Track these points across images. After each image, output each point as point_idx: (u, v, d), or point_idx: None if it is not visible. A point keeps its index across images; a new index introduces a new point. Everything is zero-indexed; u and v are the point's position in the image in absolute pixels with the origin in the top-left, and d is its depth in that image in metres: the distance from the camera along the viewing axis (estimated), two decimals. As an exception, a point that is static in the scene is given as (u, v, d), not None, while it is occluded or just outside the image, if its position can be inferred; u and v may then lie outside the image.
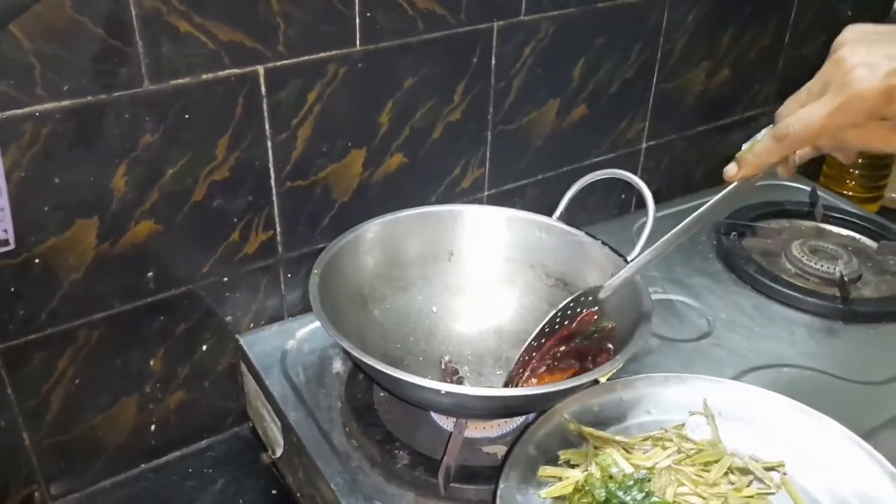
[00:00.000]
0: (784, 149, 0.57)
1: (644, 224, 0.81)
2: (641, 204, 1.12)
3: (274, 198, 0.80)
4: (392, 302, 0.80)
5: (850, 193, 1.22)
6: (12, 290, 0.69)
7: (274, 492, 0.82)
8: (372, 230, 0.79)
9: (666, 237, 0.69)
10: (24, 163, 0.65)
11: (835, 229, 1.06)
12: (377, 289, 0.79)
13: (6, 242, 0.66)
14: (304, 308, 0.88)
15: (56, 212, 0.68)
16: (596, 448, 0.66)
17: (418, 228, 0.82)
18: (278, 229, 0.82)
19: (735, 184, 0.62)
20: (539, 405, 0.68)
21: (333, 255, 0.75)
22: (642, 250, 0.79)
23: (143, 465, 0.85)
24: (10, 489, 0.77)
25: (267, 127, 0.76)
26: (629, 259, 0.78)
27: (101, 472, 0.82)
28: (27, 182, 0.66)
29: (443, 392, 0.62)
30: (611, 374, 0.66)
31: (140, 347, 0.79)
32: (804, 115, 0.55)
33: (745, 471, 0.65)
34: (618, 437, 0.67)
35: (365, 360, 0.64)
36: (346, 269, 0.76)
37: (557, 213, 0.85)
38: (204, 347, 0.83)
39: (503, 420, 0.74)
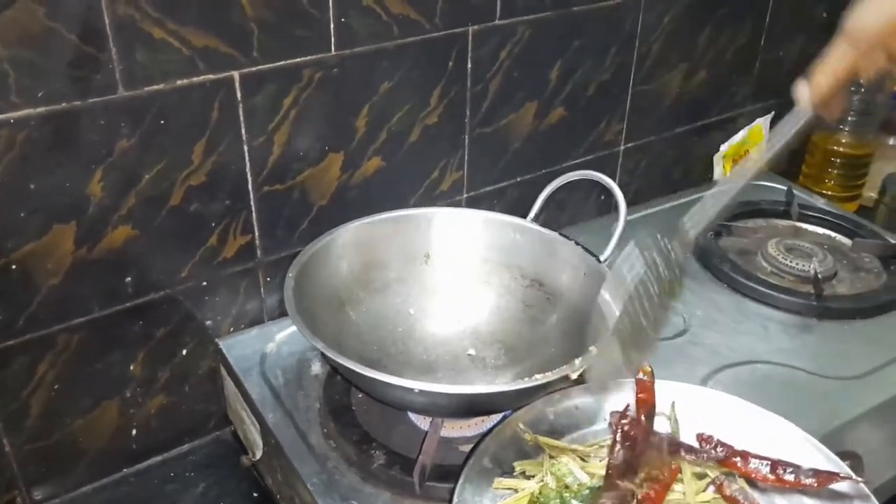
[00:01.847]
0: (858, 51, 0.55)
1: (628, 222, 0.82)
2: (621, 204, 1.14)
3: (252, 202, 0.81)
4: (369, 304, 0.81)
5: (829, 193, 1.24)
6: (-10, 295, 0.70)
7: (255, 494, 0.83)
8: (347, 234, 0.80)
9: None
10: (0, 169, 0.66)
11: (810, 228, 1.07)
12: (354, 291, 0.80)
13: (-17, 248, 0.67)
14: (284, 312, 0.87)
15: (33, 217, 0.69)
16: (551, 458, 0.65)
17: (394, 231, 0.83)
18: (256, 233, 0.83)
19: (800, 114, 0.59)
20: (513, 402, 0.68)
21: (309, 259, 0.76)
22: (613, 251, 0.81)
23: (125, 470, 0.85)
24: (-10, 494, 0.78)
25: (243, 132, 0.77)
26: (602, 259, 0.79)
27: (82, 477, 0.82)
28: (3, 188, 0.66)
29: (416, 390, 0.63)
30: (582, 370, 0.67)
31: (120, 352, 0.79)
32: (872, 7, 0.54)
33: (701, 475, 0.65)
34: (573, 446, 0.67)
35: (340, 360, 0.64)
36: (321, 273, 0.77)
37: (532, 214, 0.86)
38: (184, 351, 0.84)
39: (479, 419, 0.75)
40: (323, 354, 0.67)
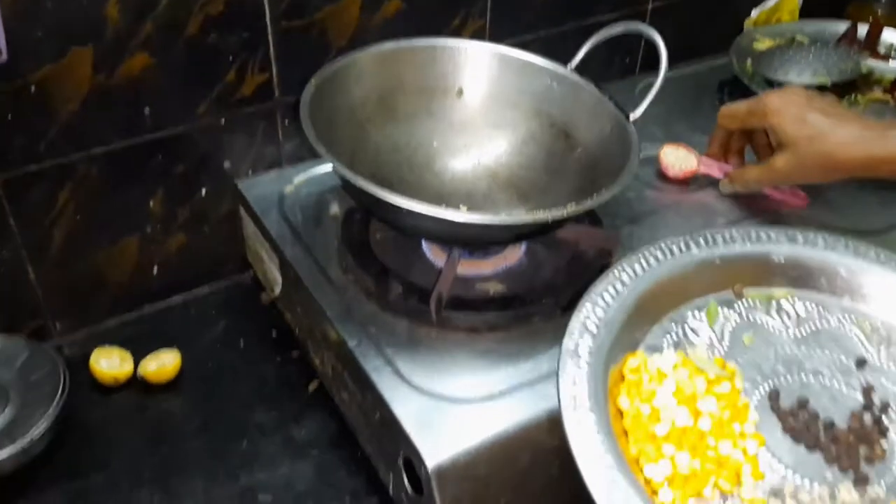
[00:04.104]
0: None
1: (649, 86, 0.79)
2: (645, 66, 1.11)
3: (269, 37, 0.79)
4: (393, 129, 0.80)
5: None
6: (9, 117, 0.69)
7: (273, 332, 0.85)
8: (382, 52, 0.78)
9: None
10: (14, -16, 0.64)
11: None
12: (378, 113, 0.79)
13: (-1, 53, 0.66)
14: (303, 156, 0.88)
15: (50, 37, 0.68)
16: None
17: (428, 60, 0.80)
18: (274, 71, 0.81)
19: None
20: (510, 236, 0.69)
21: (337, 71, 0.74)
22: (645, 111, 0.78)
23: (146, 307, 0.87)
24: (17, 320, 0.79)
25: (260, -41, 0.75)
26: (630, 117, 0.77)
27: (105, 311, 0.84)
28: (18, 4, 0.65)
29: (405, 210, 0.62)
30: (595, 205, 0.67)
31: (139, 186, 0.80)
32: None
33: None
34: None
35: (342, 169, 0.64)
36: (348, 87, 0.75)
37: (573, 63, 0.82)
38: (203, 191, 0.84)
39: (496, 259, 0.75)
40: (333, 167, 0.65)
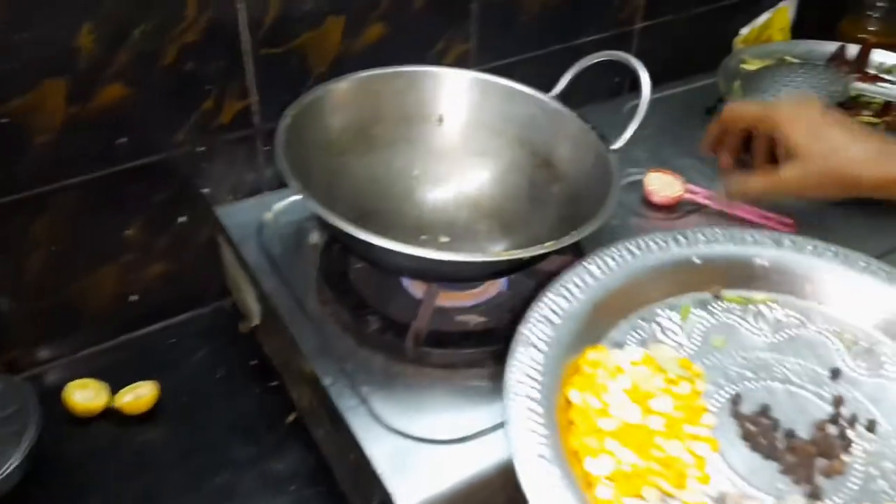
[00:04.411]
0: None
1: (636, 107, 0.78)
2: (633, 87, 1.10)
3: (249, 65, 0.78)
4: (371, 158, 0.78)
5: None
6: (-19, 149, 0.69)
7: (253, 362, 0.83)
8: (359, 81, 0.77)
9: None
10: (-16, 16, 0.63)
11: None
12: (357, 143, 0.78)
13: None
14: (283, 183, 0.87)
15: (22, 69, 0.67)
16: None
17: (408, 87, 0.79)
18: (254, 99, 0.80)
19: None
20: (487, 273, 0.68)
21: (312, 102, 0.73)
22: (627, 141, 0.77)
23: (125, 335, 0.86)
24: (-8, 350, 0.79)
25: (238, -13, 0.74)
26: (612, 148, 0.76)
27: (83, 340, 0.83)
28: (-11, 36, 0.64)
29: (378, 246, 0.61)
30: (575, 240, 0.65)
31: (117, 216, 0.79)
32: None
33: None
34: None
35: (317, 209, 0.62)
36: (324, 118, 0.74)
37: (556, 91, 0.81)
38: (182, 219, 0.83)
39: (475, 291, 0.74)
40: (305, 200, 0.64)
